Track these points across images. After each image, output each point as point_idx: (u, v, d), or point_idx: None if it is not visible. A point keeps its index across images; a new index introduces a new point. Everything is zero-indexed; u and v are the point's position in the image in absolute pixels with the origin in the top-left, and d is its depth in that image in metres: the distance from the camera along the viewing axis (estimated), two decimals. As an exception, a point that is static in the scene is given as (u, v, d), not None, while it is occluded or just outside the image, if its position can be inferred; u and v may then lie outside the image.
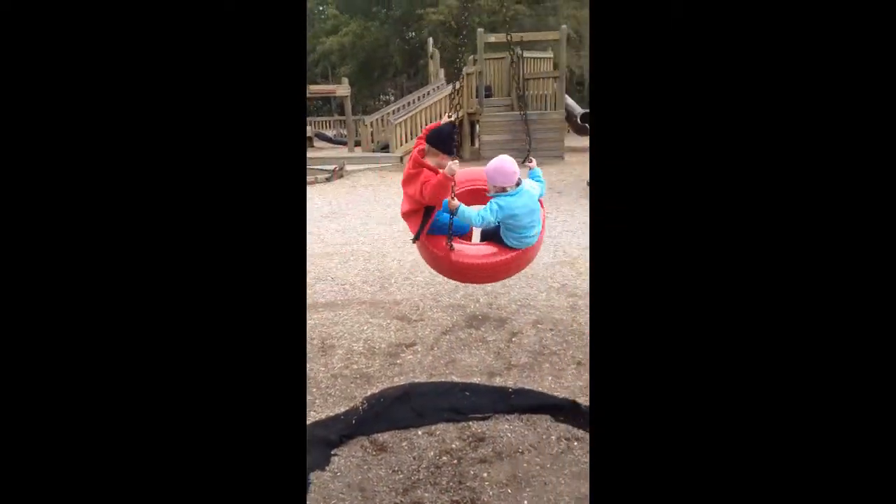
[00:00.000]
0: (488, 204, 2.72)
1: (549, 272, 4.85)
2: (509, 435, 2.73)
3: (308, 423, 2.85)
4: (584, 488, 2.34)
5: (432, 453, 2.63)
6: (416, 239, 2.80)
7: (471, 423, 2.83)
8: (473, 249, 2.86)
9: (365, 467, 2.55)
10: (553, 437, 2.69)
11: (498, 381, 3.17)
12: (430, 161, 2.70)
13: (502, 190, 2.73)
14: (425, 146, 2.76)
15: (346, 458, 2.61)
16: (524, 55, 12.75)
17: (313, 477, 2.47)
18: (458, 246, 2.80)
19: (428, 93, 13.80)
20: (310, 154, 14.69)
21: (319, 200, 9.15)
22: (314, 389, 3.17)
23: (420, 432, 2.79)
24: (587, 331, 3.74)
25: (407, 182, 2.75)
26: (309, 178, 11.52)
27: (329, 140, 19.05)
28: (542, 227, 2.90)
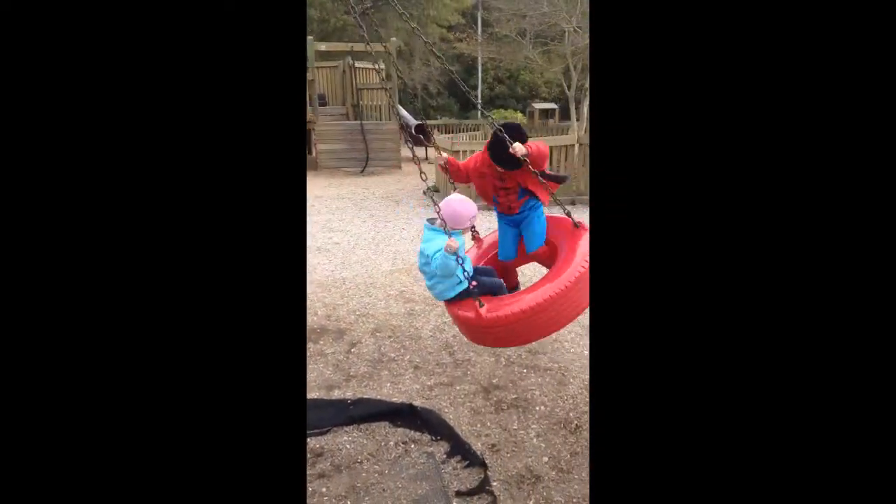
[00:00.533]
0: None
1: (388, 280, 4.93)
2: (348, 446, 2.73)
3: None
4: (421, 489, 2.42)
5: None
6: (476, 299, 2.56)
7: (310, 439, 2.78)
8: (521, 296, 2.52)
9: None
10: (391, 443, 2.74)
11: (337, 394, 3.14)
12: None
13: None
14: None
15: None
16: (356, 65, 12.81)
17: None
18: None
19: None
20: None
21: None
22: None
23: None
24: (423, 334, 3.86)
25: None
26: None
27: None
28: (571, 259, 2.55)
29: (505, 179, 2.86)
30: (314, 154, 12.40)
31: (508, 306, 2.47)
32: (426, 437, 2.78)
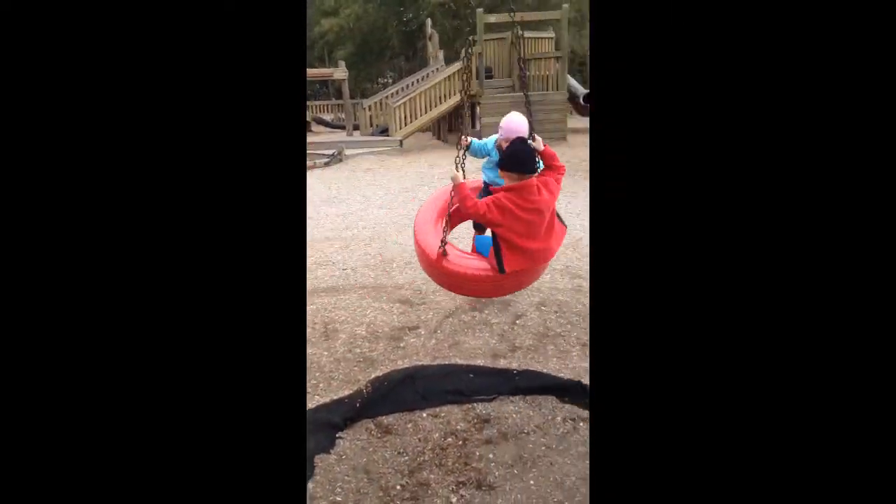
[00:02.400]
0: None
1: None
2: (514, 416, 2.73)
3: (312, 406, 2.85)
4: (590, 468, 2.34)
5: (437, 435, 2.62)
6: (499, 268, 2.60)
7: (475, 404, 2.83)
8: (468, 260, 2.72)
9: (370, 450, 2.55)
10: (559, 418, 2.69)
11: (502, 364, 3.15)
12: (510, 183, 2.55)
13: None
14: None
15: (350, 441, 2.61)
16: (525, 35, 12.59)
17: (318, 461, 2.47)
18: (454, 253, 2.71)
19: (427, 75, 13.67)
20: (308, 139, 14.60)
21: (319, 185, 9.11)
22: (317, 373, 3.16)
23: (425, 414, 2.78)
24: (591, 312, 3.72)
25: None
26: (308, 162, 11.47)
27: (327, 125, 18.94)
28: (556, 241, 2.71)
29: None
30: (478, 128, 12.53)
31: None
32: (595, 416, 2.69)
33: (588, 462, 2.37)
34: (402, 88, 13.54)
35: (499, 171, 2.63)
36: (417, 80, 13.59)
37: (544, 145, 2.61)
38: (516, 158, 2.52)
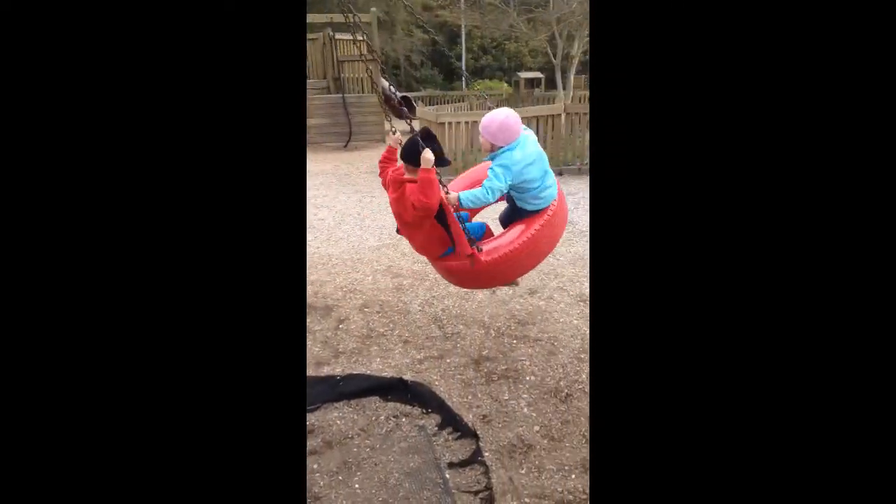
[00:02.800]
0: (490, 171, 2.39)
1: (375, 255, 4.88)
2: (339, 422, 2.72)
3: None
4: (413, 462, 2.42)
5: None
6: (474, 245, 2.43)
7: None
8: (502, 238, 2.52)
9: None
10: (382, 417, 2.73)
11: (326, 371, 3.12)
12: (410, 176, 2.41)
13: (498, 148, 2.44)
14: (403, 166, 2.44)
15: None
16: (337, 37, 12.52)
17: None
18: (490, 244, 2.50)
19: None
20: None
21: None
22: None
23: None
24: (412, 308, 3.83)
25: (396, 204, 2.47)
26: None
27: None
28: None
29: None
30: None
31: (500, 248, 2.48)
32: (417, 410, 2.78)
33: (411, 456, 2.45)
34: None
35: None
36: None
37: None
38: (411, 150, 2.39)
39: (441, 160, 2.32)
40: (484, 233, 2.80)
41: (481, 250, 2.43)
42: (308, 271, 4.50)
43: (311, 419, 2.74)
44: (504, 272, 2.53)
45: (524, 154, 2.39)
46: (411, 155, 2.37)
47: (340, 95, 12.10)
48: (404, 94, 14.57)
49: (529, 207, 2.55)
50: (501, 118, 2.40)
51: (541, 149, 2.49)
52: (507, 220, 2.75)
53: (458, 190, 2.66)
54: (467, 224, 2.50)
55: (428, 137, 2.37)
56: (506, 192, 2.46)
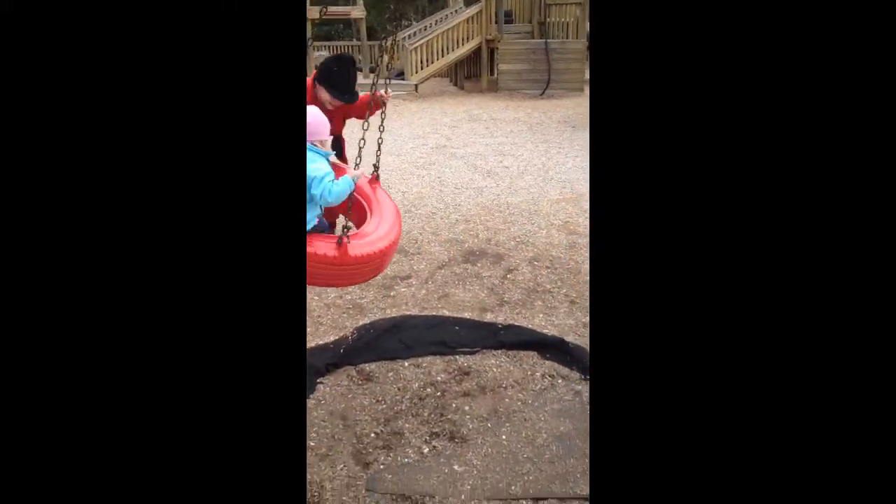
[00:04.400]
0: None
1: (553, 209, 4.75)
2: (494, 370, 2.74)
3: (296, 351, 2.88)
4: (564, 427, 2.35)
5: (417, 385, 2.64)
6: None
7: (458, 357, 2.84)
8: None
9: (349, 396, 2.58)
10: (538, 374, 2.69)
11: (489, 317, 3.15)
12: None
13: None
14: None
15: (331, 387, 2.64)
16: (547, -21, 12.08)
17: (297, 403, 2.51)
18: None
19: (446, 16, 13.22)
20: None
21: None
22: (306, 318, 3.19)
23: (407, 364, 2.80)
24: (583, 268, 3.68)
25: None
26: (321, 104, 11.29)
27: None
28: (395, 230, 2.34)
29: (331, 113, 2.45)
30: (495, 75, 12.19)
31: (372, 243, 2.20)
32: (576, 374, 2.69)
33: (562, 420, 2.38)
34: (420, 30, 13.14)
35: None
36: (435, 22, 13.16)
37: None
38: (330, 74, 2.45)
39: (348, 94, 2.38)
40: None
41: (350, 241, 2.09)
42: (485, 218, 4.54)
43: (469, 361, 2.79)
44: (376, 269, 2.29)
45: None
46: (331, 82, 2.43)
47: (543, 41, 11.76)
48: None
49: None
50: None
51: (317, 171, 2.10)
52: None
53: None
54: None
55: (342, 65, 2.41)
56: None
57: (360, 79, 14.58)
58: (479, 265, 3.71)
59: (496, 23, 12.12)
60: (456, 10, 13.25)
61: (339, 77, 2.52)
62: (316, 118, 2.18)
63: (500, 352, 2.86)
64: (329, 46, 19.10)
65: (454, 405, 2.51)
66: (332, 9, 16.28)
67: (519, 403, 2.50)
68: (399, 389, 2.62)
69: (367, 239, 2.23)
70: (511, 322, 3.08)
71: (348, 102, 2.62)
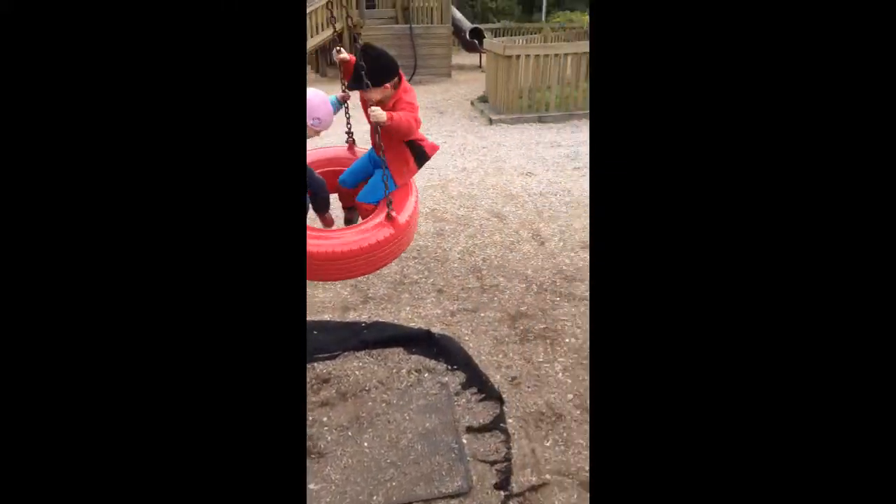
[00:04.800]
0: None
1: (420, 196, 4.62)
2: (357, 373, 2.55)
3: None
4: (429, 422, 2.22)
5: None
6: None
7: (315, 364, 2.62)
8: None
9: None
10: (403, 371, 2.55)
11: (352, 316, 2.95)
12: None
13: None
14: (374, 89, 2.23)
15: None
16: (406, -37, 11.95)
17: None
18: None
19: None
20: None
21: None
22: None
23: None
24: (451, 256, 3.59)
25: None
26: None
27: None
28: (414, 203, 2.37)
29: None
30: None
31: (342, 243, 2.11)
32: (442, 365, 2.57)
33: (428, 415, 2.25)
34: (278, 19, 12.49)
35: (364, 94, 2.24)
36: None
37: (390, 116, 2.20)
38: (382, 64, 2.23)
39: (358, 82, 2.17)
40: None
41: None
42: (350, 209, 4.32)
43: (329, 367, 2.59)
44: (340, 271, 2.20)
45: None
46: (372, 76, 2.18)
47: (408, 26, 11.63)
48: (476, 25, 13.84)
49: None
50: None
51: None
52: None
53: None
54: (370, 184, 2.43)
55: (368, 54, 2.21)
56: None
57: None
58: (340, 261, 3.50)
59: (357, 8, 11.79)
60: (314, -4, 12.74)
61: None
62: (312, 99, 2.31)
63: (363, 353, 2.68)
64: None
65: (311, 417, 2.30)
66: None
67: (383, 405, 2.34)
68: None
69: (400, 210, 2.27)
70: (376, 319, 2.91)
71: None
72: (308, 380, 2.51)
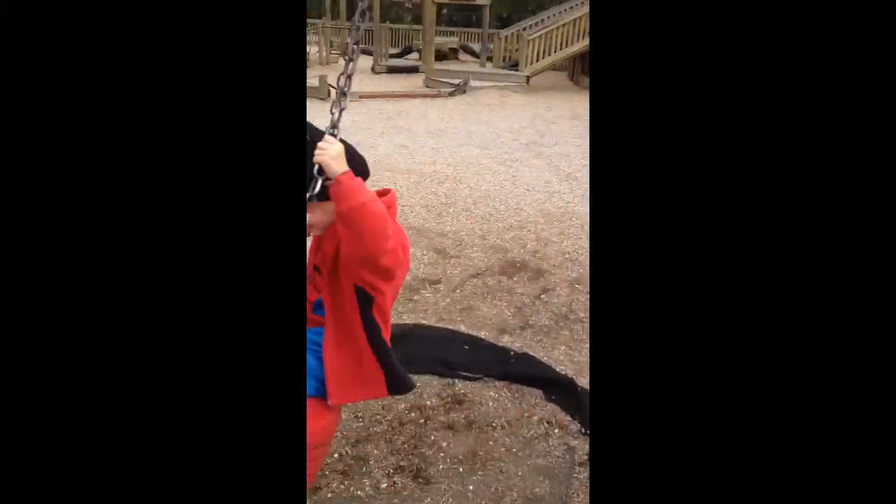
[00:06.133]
0: None
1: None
2: (490, 404, 2.43)
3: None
4: (540, 488, 2.01)
5: (402, 406, 2.41)
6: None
7: (457, 381, 2.56)
8: None
9: (328, 407, 2.40)
10: (535, 418, 2.35)
11: (505, 341, 2.83)
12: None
13: None
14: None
15: (312, 394, 2.48)
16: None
17: (271, 406, 2.37)
18: None
19: (570, 7, 12.59)
20: (449, 66, 14.38)
21: (433, 115, 8.94)
22: (318, 314, 3.06)
23: (400, 381, 2.57)
24: (633, 300, 3.23)
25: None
26: (432, 91, 11.28)
27: (474, 54, 18.50)
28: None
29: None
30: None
31: None
32: (576, 425, 2.31)
33: (540, 480, 2.04)
34: (540, 21, 12.65)
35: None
36: (556, 14, 12.59)
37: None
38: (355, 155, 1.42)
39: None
40: None
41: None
42: (541, 227, 4.16)
43: (467, 389, 2.51)
44: None
45: None
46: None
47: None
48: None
49: None
50: None
51: None
52: None
53: None
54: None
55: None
56: None
57: (476, 66, 14.33)
58: (515, 279, 3.38)
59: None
60: (581, 2, 12.57)
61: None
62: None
63: (502, 384, 2.54)
64: (458, 33, 19.13)
65: (433, 437, 2.25)
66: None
67: (502, 450, 2.18)
68: (383, 408, 2.40)
69: None
70: (527, 350, 2.74)
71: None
72: (444, 396, 2.47)
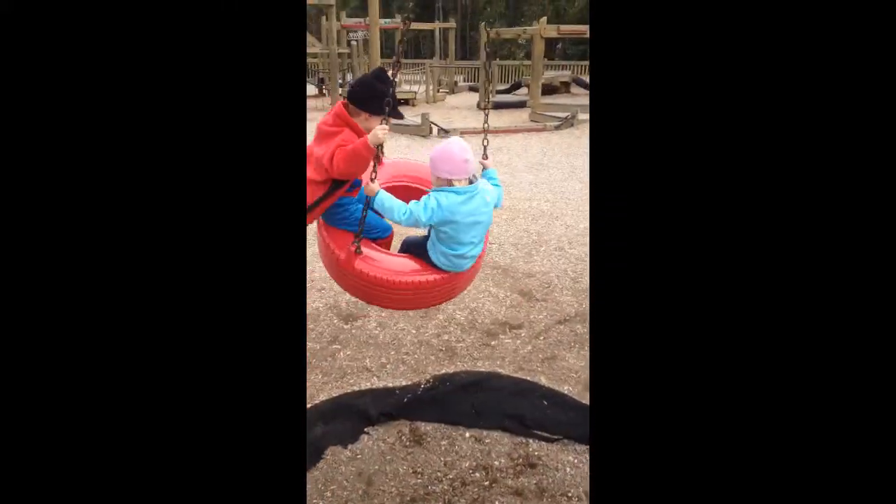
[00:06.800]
0: (424, 197, 2.01)
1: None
2: (567, 471, 2.14)
3: (359, 388, 2.63)
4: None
5: (467, 464, 2.19)
6: (356, 242, 2.11)
7: (531, 441, 2.29)
8: (387, 260, 2.12)
9: (387, 458, 2.23)
10: None
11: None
12: (359, 122, 2.05)
13: (447, 184, 2.02)
14: (346, 103, 2.09)
15: (374, 441, 2.32)
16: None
17: (329, 452, 2.24)
18: (368, 251, 2.10)
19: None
20: (558, 100, 14.25)
21: (535, 149, 8.77)
22: (392, 352, 2.92)
23: (468, 434, 2.35)
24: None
25: (319, 140, 2.07)
26: (538, 125, 11.14)
27: (588, 87, 18.24)
28: (484, 247, 2.21)
29: None
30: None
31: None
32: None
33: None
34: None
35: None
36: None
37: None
38: (364, 90, 2.10)
39: (395, 111, 2.01)
40: (383, 238, 2.33)
41: (359, 252, 2.07)
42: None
43: (544, 451, 2.24)
44: (359, 288, 2.17)
45: (468, 209, 2.02)
46: (365, 99, 2.05)
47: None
48: None
49: (434, 259, 2.11)
50: (441, 148, 2.06)
51: (491, 213, 2.13)
52: (407, 245, 2.28)
53: (382, 180, 2.27)
54: (374, 218, 2.20)
55: (383, 80, 2.04)
56: (422, 228, 2.09)
57: (587, 99, 14.06)
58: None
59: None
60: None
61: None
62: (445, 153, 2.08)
63: (583, 448, 2.23)
64: (571, 66, 19.00)
65: (496, 503, 2.00)
66: (565, 27, 15.95)
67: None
68: (445, 465, 2.19)
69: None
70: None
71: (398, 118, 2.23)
72: (515, 456, 2.22)
